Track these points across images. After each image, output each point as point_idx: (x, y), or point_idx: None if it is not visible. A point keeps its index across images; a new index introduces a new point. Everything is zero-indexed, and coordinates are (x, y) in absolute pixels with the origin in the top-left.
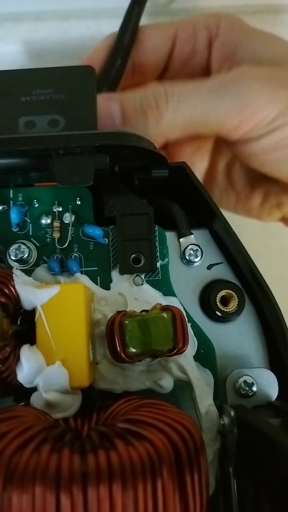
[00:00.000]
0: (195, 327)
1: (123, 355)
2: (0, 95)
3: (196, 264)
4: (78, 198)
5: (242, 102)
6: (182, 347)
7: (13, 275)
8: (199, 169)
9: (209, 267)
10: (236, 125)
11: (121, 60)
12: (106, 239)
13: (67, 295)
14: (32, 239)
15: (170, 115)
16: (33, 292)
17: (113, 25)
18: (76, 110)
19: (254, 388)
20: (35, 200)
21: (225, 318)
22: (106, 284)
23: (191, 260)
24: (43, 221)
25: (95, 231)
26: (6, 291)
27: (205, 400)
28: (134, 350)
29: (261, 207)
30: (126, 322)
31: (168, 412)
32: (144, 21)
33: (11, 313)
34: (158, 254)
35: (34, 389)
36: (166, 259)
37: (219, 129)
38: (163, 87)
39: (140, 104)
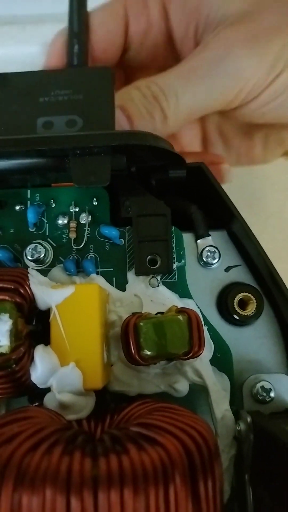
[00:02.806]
0: (212, 330)
1: (137, 357)
2: (19, 95)
3: (213, 266)
4: (94, 199)
5: (234, 76)
6: (198, 350)
7: (29, 275)
8: (195, 134)
9: (227, 269)
10: (234, 97)
11: (78, 46)
12: (122, 240)
13: (82, 296)
14: (48, 239)
15: (173, 112)
16: (48, 292)
17: None
18: (93, 110)
19: (272, 394)
20: (52, 201)
21: (243, 322)
22: (121, 285)
23: (209, 262)
24: (60, 222)
25: (112, 232)
26: (22, 291)
27: (221, 405)
28: (148, 353)
29: (264, 151)
30: (141, 324)
31: (183, 417)
32: None
33: (26, 313)
34: (174, 255)
35: (48, 389)
36: (183, 261)
37: (219, 107)
38: (156, 86)
39: (144, 108)
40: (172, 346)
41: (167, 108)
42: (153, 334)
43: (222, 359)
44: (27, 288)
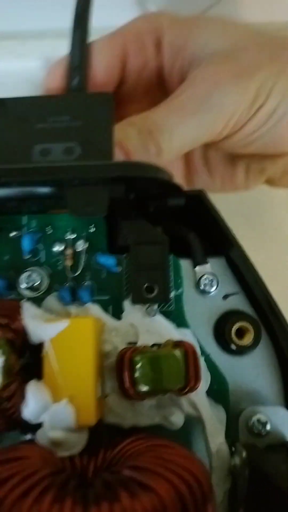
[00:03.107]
0: (209, 361)
1: (132, 392)
2: (16, 121)
3: (211, 294)
4: (91, 226)
5: (222, 110)
6: (194, 386)
7: (22, 308)
8: (178, 165)
9: (225, 297)
10: (222, 129)
11: (79, 78)
12: (119, 268)
13: (76, 330)
14: (44, 266)
15: (167, 146)
16: (41, 327)
17: None
18: (92, 138)
19: (268, 427)
20: (49, 227)
21: (240, 351)
22: (117, 313)
23: (206, 290)
24: (56, 248)
25: (108, 261)
26: (14, 326)
27: (216, 438)
28: (144, 389)
29: (246, 179)
30: (137, 358)
31: (176, 457)
32: None
33: (19, 347)
34: (172, 284)
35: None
36: (180, 289)
37: (208, 139)
38: (151, 121)
39: (140, 143)
40: (168, 382)
41: (162, 142)
42: (148, 369)
43: (218, 391)
44: (19, 323)
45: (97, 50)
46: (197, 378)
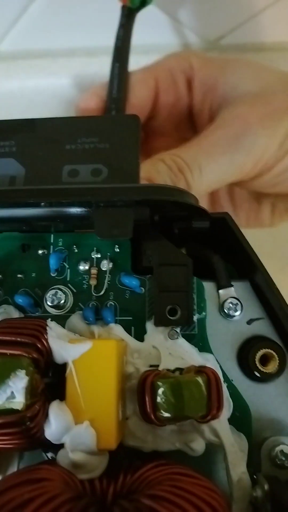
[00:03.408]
0: (231, 387)
1: (153, 417)
2: (46, 142)
3: (235, 318)
4: (116, 246)
5: (251, 152)
6: (216, 413)
7: (47, 327)
8: (203, 199)
9: (249, 322)
10: (250, 170)
11: (116, 112)
12: (143, 289)
13: (99, 353)
14: (69, 284)
15: (197, 184)
16: (65, 347)
17: None
18: (119, 159)
19: None
20: (75, 246)
21: (264, 379)
22: (140, 335)
23: (230, 314)
24: (81, 267)
25: (132, 282)
26: (39, 345)
27: (238, 467)
28: (165, 415)
29: (272, 216)
30: (159, 383)
31: (197, 488)
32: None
33: (43, 367)
34: (195, 306)
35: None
36: (204, 313)
37: (236, 179)
38: (181, 160)
39: (170, 180)
40: (190, 410)
41: (191, 179)
42: (170, 395)
43: (241, 419)
44: (44, 342)
45: (132, 84)
46: (219, 407)
